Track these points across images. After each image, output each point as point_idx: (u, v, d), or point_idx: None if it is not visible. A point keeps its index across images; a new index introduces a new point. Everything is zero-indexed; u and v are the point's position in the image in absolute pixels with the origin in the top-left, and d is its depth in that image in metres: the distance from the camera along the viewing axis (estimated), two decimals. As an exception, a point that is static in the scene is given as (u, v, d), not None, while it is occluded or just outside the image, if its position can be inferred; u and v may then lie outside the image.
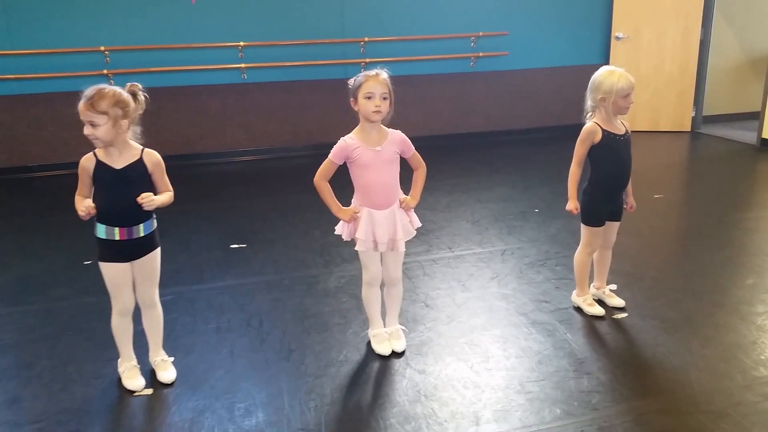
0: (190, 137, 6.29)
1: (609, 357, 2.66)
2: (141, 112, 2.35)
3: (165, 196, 2.40)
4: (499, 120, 7.13)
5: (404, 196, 2.61)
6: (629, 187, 2.98)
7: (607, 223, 2.95)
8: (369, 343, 2.78)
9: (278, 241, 4.08)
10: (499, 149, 6.65)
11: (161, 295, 2.58)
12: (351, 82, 2.53)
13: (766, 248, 3.82)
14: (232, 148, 6.43)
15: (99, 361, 2.69)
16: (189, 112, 6.22)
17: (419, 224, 2.69)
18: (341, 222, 2.62)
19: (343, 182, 2.61)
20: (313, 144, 6.51)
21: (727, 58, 7.47)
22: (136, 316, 2.53)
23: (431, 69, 6.71)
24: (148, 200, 2.28)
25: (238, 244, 4.04)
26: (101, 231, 2.34)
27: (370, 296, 2.74)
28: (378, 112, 2.45)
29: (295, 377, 2.55)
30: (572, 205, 2.90)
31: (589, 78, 2.83)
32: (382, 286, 2.75)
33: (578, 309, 3.05)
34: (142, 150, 2.37)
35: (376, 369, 2.61)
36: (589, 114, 2.86)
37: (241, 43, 6.06)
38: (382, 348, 2.71)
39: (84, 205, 2.25)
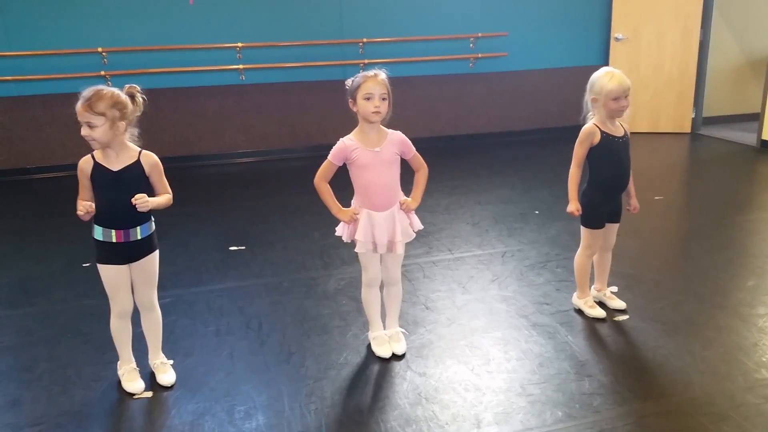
0: (189, 139, 6.28)
1: (610, 359, 2.65)
2: (139, 113, 2.34)
3: (161, 198, 2.39)
4: (498, 121, 7.12)
5: (405, 197, 2.60)
6: (632, 189, 2.98)
7: (606, 225, 2.95)
8: (369, 345, 2.77)
9: (277, 243, 4.07)
10: (499, 150, 6.65)
11: (160, 298, 2.57)
12: (349, 83, 2.53)
13: (766, 250, 3.82)
14: (230, 149, 6.43)
15: (98, 364, 2.68)
16: (187, 113, 6.21)
17: (420, 227, 2.67)
18: (342, 223, 2.61)
19: (342, 183, 2.60)
20: (312, 145, 6.50)
21: (726, 59, 7.48)
22: (135, 318, 2.52)
23: (430, 70, 6.71)
24: (141, 201, 2.27)
25: (237, 246, 4.03)
26: (98, 233, 2.34)
27: (370, 297, 2.73)
28: (377, 112, 2.44)
29: (295, 380, 2.54)
30: (573, 206, 2.89)
31: (587, 79, 2.83)
32: (381, 287, 2.74)
33: (579, 311, 3.05)
34: (140, 152, 2.35)
35: (377, 371, 2.60)
36: (589, 115, 2.86)
37: (239, 44, 6.05)
38: (382, 350, 2.70)
39: (82, 204, 2.24)
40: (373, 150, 2.50)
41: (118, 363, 2.55)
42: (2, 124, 5.80)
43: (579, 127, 2.86)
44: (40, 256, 3.95)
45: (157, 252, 2.46)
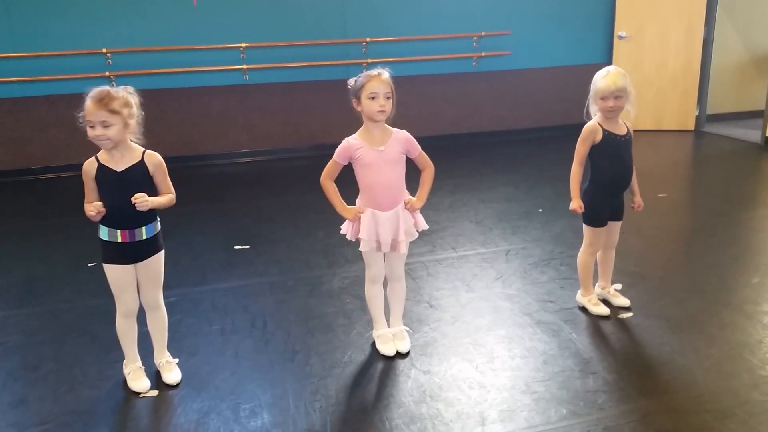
0: (193, 139, 6.29)
1: (614, 356, 2.65)
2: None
3: (163, 198, 2.39)
4: (501, 120, 7.12)
5: (409, 197, 2.61)
6: (635, 186, 2.98)
7: (609, 222, 2.94)
8: (373, 343, 2.78)
9: (281, 242, 4.08)
10: (502, 149, 6.65)
11: (165, 297, 2.58)
12: (351, 82, 2.53)
13: (771, 247, 3.81)
14: (234, 149, 6.44)
15: (104, 363, 2.69)
16: (191, 113, 6.23)
17: (425, 226, 2.67)
18: (346, 221, 2.62)
19: (345, 181, 2.61)
20: (315, 145, 6.51)
21: (730, 56, 7.45)
22: (141, 317, 2.53)
23: (433, 69, 6.71)
24: (141, 201, 2.27)
25: (242, 245, 4.04)
26: (104, 233, 2.35)
27: (373, 294, 2.73)
28: (382, 111, 2.45)
29: (299, 378, 2.55)
30: (575, 204, 2.89)
31: (591, 77, 2.83)
32: (385, 284, 2.75)
33: (583, 309, 3.05)
34: (144, 152, 2.37)
35: (381, 370, 2.61)
36: (593, 112, 2.86)
37: (243, 45, 6.06)
38: (386, 349, 2.71)
39: (93, 205, 2.25)
40: (377, 149, 2.50)
41: (124, 362, 2.56)
42: (7, 124, 5.82)
43: (582, 125, 2.86)
44: (45, 256, 3.97)
45: (162, 252, 2.48)
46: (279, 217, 4.61)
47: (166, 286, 2.57)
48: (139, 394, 2.46)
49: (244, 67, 6.12)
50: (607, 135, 2.80)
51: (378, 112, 2.44)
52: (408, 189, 2.63)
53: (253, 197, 5.20)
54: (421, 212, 2.67)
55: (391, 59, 6.13)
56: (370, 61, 6.29)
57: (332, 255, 3.82)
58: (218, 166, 6.30)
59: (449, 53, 6.65)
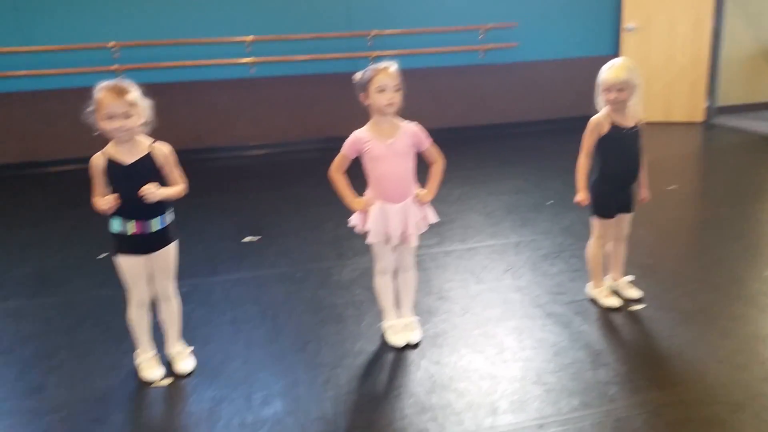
0: (200, 132, 6.30)
1: (626, 348, 2.65)
2: None
3: (172, 189, 2.40)
4: (508, 112, 7.10)
5: (419, 189, 2.61)
6: (644, 179, 2.97)
7: (618, 215, 2.94)
8: (383, 334, 2.79)
9: (291, 234, 4.09)
10: (510, 141, 6.63)
11: (177, 287, 2.59)
12: (358, 76, 2.53)
13: (781, 239, 3.80)
14: (241, 142, 6.45)
15: (117, 352, 2.71)
16: (198, 107, 6.24)
17: (435, 219, 2.67)
18: (356, 213, 2.62)
19: (354, 173, 2.61)
20: (322, 137, 6.51)
21: (740, 47, 7.39)
22: (153, 307, 2.54)
23: (440, 62, 6.69)
24: (149, 193, 2.29)
25: (252, 236, 4.05)
26: (116, 225, 2.36)
27: (382, 286, 2.74)
28: (391, 104, 2.45)
29: (311, 368, 2.56)
30: (581, 196, 2.90)
31: (599, 69, 2.82)
32: (394, 275, 2.75)
33: (594, 301, 3.05)
34: (152, 144, 2.38)
35: (391, 360, 2.62)
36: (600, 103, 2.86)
37: (249, 38, 6.06)
38: (396, 339, 2.72)
39: (106, 198, 2.26)
40: (386, 142, 2.50)
41: (137, 351, 2.57)
42: (17, 118, 5.85)
43: (590, 117, 2.85)
44: (57, 247, 3.99)
45: (174, 243, 2.49)
46: (288, 209, 4.62)
47: (178, 277, 2.58)
48: (153, 382, 2.48)
49: (251, 60, 6.12)
50: (614, 127, 2.79)
51: (387, 105, 2.45)
52: (418, 182, 2.63)
53: (261, 190, 5.21)
54: (429, 204, 2.67)
55: (397, 52, 6.12)
56: (376, 53, 6.28)
57: (341, 246, 3.83)
58: (226, 159, 6.31)
59: (456, 45, 6.63)
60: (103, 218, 2.38)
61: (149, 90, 2.36)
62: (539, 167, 5.50)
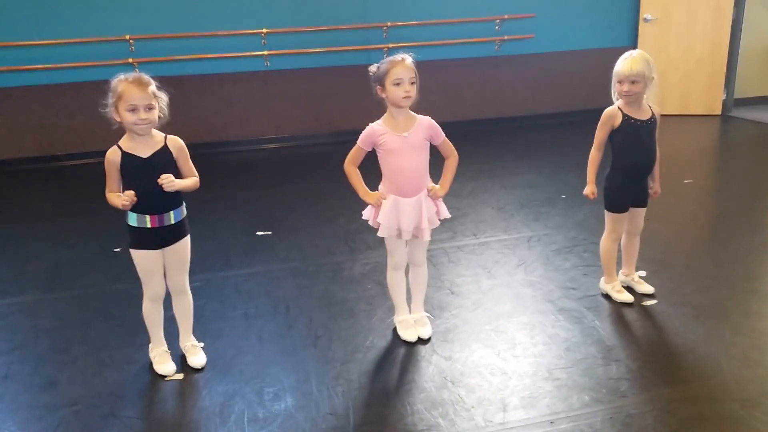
0: (215, 125, 6.32)
1: (638, 344, 2.63)
2: None
3: (188, 181, 2.42)
4: (524, 104, 7.04)
5: (433, 184, 2.60)
6: (656, 173, 2.93)
7: (632, 209, 2.91)
8: (395, 329, 2.79)
9: (303, 228, 4.10)
10: (525, 134, 6.59)
11: (190, 282, 2.61)
12: (374, 69, 2.52)
13: (799, 234, 3.74)
14: (256, 135, 6.46)
15: (131, 346, 2.74)
16: (213, 100, 6.25)
17: (447, 215, 2.67)
18: (368, 207, 2.62)
19: (367, 167, 2.61)
20: (336, 131, 6.50)
21: (760, 38, 7.26)
22: (166, 302, 2.57)
23: (455, 53, 6.65)
24: (168, 181, 2.30)
25: (264, 231, 4.07)
26: (133, 219, 2.38)
27: (395, 281, 2.74)
28: (408, 97, 2.45)
29: (322, 362, 2.57)
30: (589, 189, 2.88)
31: (616, 61, 2.79)
32: (406, 270, 2.75)
33: (606, 296, 3.02)
34: (166, 137, 2.39)
35: (402, 355, 2.63)
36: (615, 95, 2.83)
37: (264, 30, 6.06)
38: (407, 334, 2.72)
39: (126, 194, 2.27)
40: (401, 135, 2.50)
41: (150, 346, 2.60)
42: (34, 111, 5.90)
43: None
44: (72, 241, 4.04)
45: (189, 236, 2.51)
46: (300, 203, 4.63)
47: (191, 271, 2.60)
48: (165, 377, 2.50)
49: (266, 53, 6.12)
50: (627, 120, 2.76)
51: (403, 98, 2.44)
52: (431, 177, 2.62)
53: (274, 183, 5.23)
54: (442, 199, 2.66)
55: (412, 44, 6.09)
56: (390, 45, 6.26)
57: (353, 241, 3.83)
58: (240, 152, 6.33)
59: (471, 37, 6.58)
60: (119, 212, 2.40)
61: (164, 83, 2.38)
62: (554, 160, 5.46)
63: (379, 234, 2.59)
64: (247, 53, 6.11)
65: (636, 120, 2.77)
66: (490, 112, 6.97)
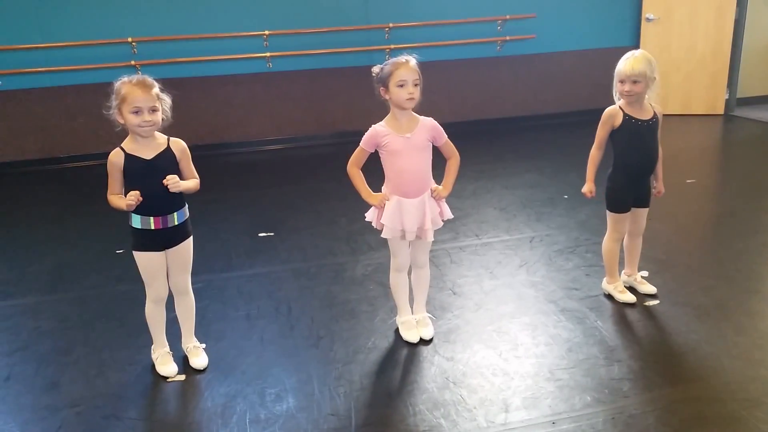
0: (217, 127, 6.33)
1: (640, 344, 2.63)
2: None
3: (191, 182, 2.43)
4: (526, 105, 7.04)
5: (436, 185, 2.60)
6: (659, 172, 2.93)
7: (634, 209, 2.91)
8: (397, 330, 2.79)
9: (305, 229, 4.10)
10: (527, 134, 6.58)
11: (192, 283, 2.61)
12: (377, 70, 2.52)
13: (802, 233, 3.73)
14: (258, 137, 6.47)
15: (132, 347, 2.74)
16: (215, 101, 6.26)
17: (450, 216, 2.66)
18: (371, 209, 2.62)
19: (369, 169, 2.61)
20: (338, 132, 6.51)
21: (762, 37, 7.24)
22: (168, 303, 2.57)
23: (457, 54, 6.65)
24: (174, 182, 2.31)
25: (266, 232, 4.07)
26: (137, 221, 2.38)
27: (398, 282, 2.74)
28: (411, 99, 2.45)
29: (324, 363, 2.57)
30: (587, 187, 2.89)
31: (618, 60, 2.79)
32: (408, 271, 2.75)
33: (609, 296, 3.02)
34: (168, 139, 2.40)
35: (405, 356, 2.62)
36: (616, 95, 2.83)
37: (266, 32, 6.07)
38: (410, 335, 2.72)
39: (131, 195, 2.27)
40: (404, 136, 2.50)
41: (152, 347, 2.61)
42: (36, 113, 5.92)
43: (608, 110, 2.83)
44: (74, 242, 4.05)
45: (191, 237, 2.51)
46: (302, 204, 4.63)
47: (193, 273, 2.60)
48: (167, 378, 2.50)
49: (267, 54, 6.13)
50: (628, 119, 2.76)
51: (407, 99, 2.44)
52: (433, 178, 2.62)
53: (276, 185, 5.23)
54: (445, 200, 2.66)
55: (414, 45, 6.09)
56: (392, 47, 6.26)
57: (355, 242, 3.83)
58: (242, 154, 6.34)
59: (473, 38, 6.58)
60: (121, 214, 2.40)
61: (166, 85, 2.39)
62: (556, 161, 5.46)
63: (383, 235, 2.59)
64: (249, 55, 6.12)
65: (637, 120, 2.76)
66: (492, 113, 6.97)
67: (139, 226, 2.38)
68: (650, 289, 3.02)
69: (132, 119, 2.26)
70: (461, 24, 6.52)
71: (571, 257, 3.49)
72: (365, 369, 2.53)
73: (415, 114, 2.55)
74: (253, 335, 2.82)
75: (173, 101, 2.38)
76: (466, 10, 6.51)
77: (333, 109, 6.54)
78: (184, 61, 5.97)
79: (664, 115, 2.89)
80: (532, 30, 6.71)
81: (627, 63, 2.69)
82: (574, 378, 2.41)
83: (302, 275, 3.42)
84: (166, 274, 2.50)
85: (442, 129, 2.58)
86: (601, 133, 2.82)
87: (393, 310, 2.88)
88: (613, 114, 2.78)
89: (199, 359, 2.58)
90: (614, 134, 2.80)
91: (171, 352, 2.59)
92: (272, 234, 4.04)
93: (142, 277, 2.47)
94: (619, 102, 2.79)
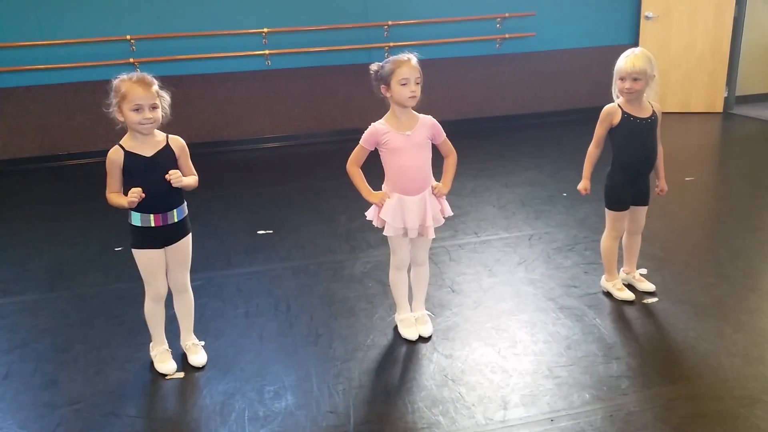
0: (216, 124, 6.33)
1: (639, 342, 2.63)
2: None
3: (191, 178, 2.44)
4: (525, 103, 7.04)
5: (436, 182, 2.60)
6: (661, 170, 2.93)
7: (633, 207, 2.91)
8: (396, 327, 2.80)
9: (304, 227, 4.10)
10: (526, 132, 6.58)
11: (191, 281, 2.61)
12: (375, 68, 2.52)
13: (801, 231, 3.73)
14: (257, 134, 6.47)
15: (131, 345, 2.74)
16: (214, 99, 6.26)
17: (450, 213, 2.67)
18: (372, 207, 2.62)
19: (368, 167, 2.60)
20: (337, 129, 6.51)
21: (761, 35, 7.24)
22: (167, 301, 2.57)
23: (456, 52, 6.65)
24: (176, 177, 2.31)
25: (265, 230, 4.07)
26: (137, 219, 2.38)
27: (398, 280, 2.74)
28: (414, 97, 2.45)
29: (323, 361, 2.57)
30: (583, 185, 2.89)
31: (617, 58, 2.78)
32: (408, 270, 2.76)
33: (607, 294, 3.02)
34: (167, 136, 2.40)
35: (403, 353, 2.63)
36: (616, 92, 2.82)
37: (265, 30, 6.06)
38: (409, 333, 2.72)
39: (133, 192, 2.26)
40: (404, 134, 2.50)
41: (151, 344, 2.61)
42: (35, 111, 5.91)
43: (607, 108, 2.83)
44: (73, 240, 4.05)
45: (190, 234, 2.51)
46: (301, 202, 4.63)
47: (192, 270, 2.60)
48: (166, 376, 2.51)
49: (266, 52, 6.13)
50: (626, 117, 2.75)
51: (409, 98, 2.45)
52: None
53: (275, 182, 5.23)
54: (444, 197, 2.66)
55: (413, 42, 6.09)
56: (392, 44, 6.26)
57: (354, 240, 3.83)
58: (241, 151, 6.33)
59: (472, 35, 6.58)
60: (120, 212, 2.40)
61: (165, 82, 2.39)
62: (555, 158, 5.46)
63: (385, 233, 2.59)
64: (248, 52, 6.12)
65: (636, 118, 2.76)
66: (492, 111, 6.97)
67: (139, 224, 2.38)
68: (649, 286, 3.03)
69: (132, 117, 2.25)
70: (460, 22, 6.52)
71: (569, 255, 3.50)
72: (364, 366, 2.53)
73: (414, 112, 2.55)
74: (252, 333, 2.82)
75: (172, 99, 2.38)
76: (466, 7, 6.50)
77: (332, 107, 6.54)
78: (183, 58, 5.96)
79: (663, 113, 2.89)
80: (532, 28, 6.71)
81: (628, 60, 2.69)
82: (573, 375, 2.41)
83: (301, 273, 3.42)
84: (166, 272, 2.50)
85: (440, 127, 2.58)
86: (600, 130, 2.82)
87: (392, 308, 2.89)
88: (611, 112, 2.78)
89: (197, 357, 2.58)
90: (613, 132, 2.80)
91: (170, 350, 2.59)
92: (271, 232, 4.04)
93: (142, 275, 2.47)
94: (618, 100, 2.79)
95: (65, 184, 5.51)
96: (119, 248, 3.76)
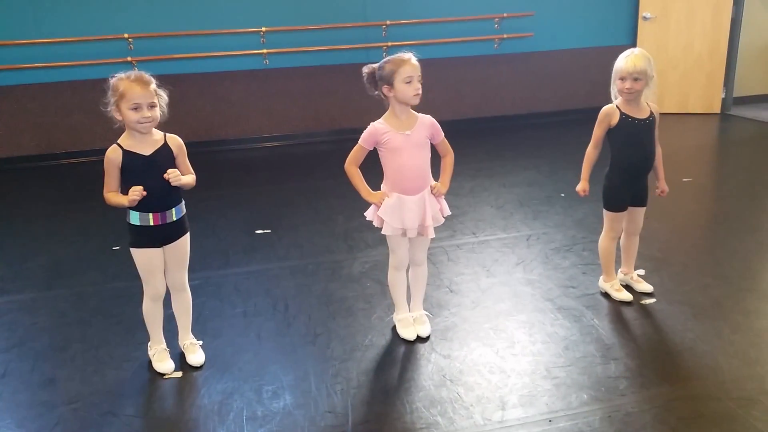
0: (213, 124, 6.32)
1: (637, 342, 2.63)
2: None
3: (188, 178, 2.43)
4: (523, 103, 7.05)
5: (435, 182, 2.60)
6: (660, 172, 2.93)
7: (631, 208, 2.91)
8: (394, 327, 2.80)
9: (302, 227, 4.10)
10: (524, 133, 6.58)
11: (189, 280, 2.61)
12: (373, 67, 2.52)
13: (798, 232, 3.74)
14: (254, 134, 6.46)
15: (129, 344, 2.74)
16: (212, 98, 6.25)
17: (449, 212, 2.67)
18: (371, 208, 2.62)
19: (367, 166, 2.60)
20: (335, 129, 6.51)
21: (759, 36, 7.26)
22: (165, 300, 2.57)
23: (454, 52, 6.65)
24: (174, 175, 2.31)
25: (263, 229, 4.07)
26: (135, 218, 2.37)
27: (396, 280, 2.74)
28: (418, 95, 2.46)
29: (321, 361, 2.57)
30: (581, 186, 2.89)
31: (615, 59, 2.79)
32: (406, 269, 2.76)
33: (605, 294, 3.03)
34: (165, 135, 2.40)
35: (402, 353, 2.63)
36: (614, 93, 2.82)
37: (263, 29, 6.05)
38: (407, 333, 2.72)
39: (134, 190, 2.26)
40: (403, 133, 2.50)
41: (149, 344, 2.60)
42: (32, 110, 5.90)
43: (606, 109, 2.83)
44: (71, 239, 4.04)
45: (188, 233, 2.51)
46: (300, 201, 4.63)
47: (190, 270, 2.60)
48: (164, 375, 2.50)
49: (264, 51, 6.12)
50: (625, 118, 2.76)
51: (414, 95, 2.45)
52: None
53: (273, 182, 5.23)
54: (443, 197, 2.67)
55: (411, 42, 6.08)
56: (390, 44, 6.26)
57: (352, 239, 3.83)
58: (239, 151, 6.33)
59: (471, 35, 6.58)
60: (119, 210, 2.39)
61: (163, 81, 2.38)
62: (553, 159, 5.46)
63: (384, 232, 2.58)
64: (246, 51, 6.11)
65: (634, 119, 2.77)
66: (490, 111, 6.97)
67: (138, 223, 2.37)
68: (646, 287, 3.03)
69: (131, 115, 2.25)
70: (459, 21, 6.52)
71: (567, 255, 3.50)
72: (362, 366, 2.53)
73: (413, 111, 2.55)
74: (250, 332, 2.81)
75: (170, 98, 2.38)
76: (464, 7, 6.50)
77: (330, 106, 6.53)
78: (181, 57, 5.95)
79: (660, 113, 2.89)
80: (530, 28, 6.71)
81: (628, 60, 2.69)
82: (571, 376, 2.41)
83: (299, 272, 3.42)
84: (164, 271, 2.50)
85: (439, 127, 2.58)
86: (598, 131, 2.82)
87: (390, 308, 2.89)
88: (609, 112, 2.78)
89: (195, 356, 2.58)
90: (611, 133, 2.80)
91: (168, 349, 2.59)
92: (269, 231, 4.04)
93: (140, 274, 2.46)
94: (617, 101, 2.80)
95: (63, 182, 5.50)
96: (117, 247, 3.75)
